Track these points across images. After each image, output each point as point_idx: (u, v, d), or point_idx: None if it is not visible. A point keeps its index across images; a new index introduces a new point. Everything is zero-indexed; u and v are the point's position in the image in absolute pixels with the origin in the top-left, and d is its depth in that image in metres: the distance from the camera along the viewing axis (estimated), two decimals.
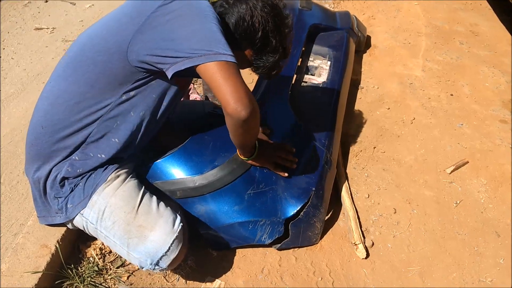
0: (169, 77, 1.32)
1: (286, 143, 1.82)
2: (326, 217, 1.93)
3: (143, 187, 1.59)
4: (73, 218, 1.53)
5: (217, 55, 1.26)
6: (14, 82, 2.73)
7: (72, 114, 1.45)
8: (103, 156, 1.51)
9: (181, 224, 1.50)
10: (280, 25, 1.50)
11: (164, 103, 1.54)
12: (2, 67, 2.86)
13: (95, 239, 1.78)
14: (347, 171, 2.22)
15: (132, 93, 1.45)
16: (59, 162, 1.51)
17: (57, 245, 1.68)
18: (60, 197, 1.52)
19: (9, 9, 3.50)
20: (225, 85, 1.25)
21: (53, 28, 3.31)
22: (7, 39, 3.14)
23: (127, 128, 1.50)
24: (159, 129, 1.68)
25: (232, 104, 1.26)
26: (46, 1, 3.65)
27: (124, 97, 1.45)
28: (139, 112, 1.49)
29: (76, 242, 1.80)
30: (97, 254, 1.76)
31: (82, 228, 1.57)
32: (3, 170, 2.11)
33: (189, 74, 1.35)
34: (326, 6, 3.58)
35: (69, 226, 1.62)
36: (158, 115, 1.55)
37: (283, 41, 1.53)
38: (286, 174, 1.75)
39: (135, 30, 1.33)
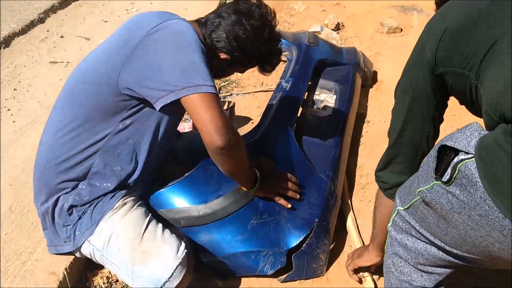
0: (157, 109, 1.39)
1: (289, 173, 1.83)
2: (331, 246, 1.93)
3: (150, 214, 1.61)
4: (81, 246, 1.55)
5: (197, 87, 1.32)
6: (28, 113, 2.81)
7: (72, 147, 1.51)
8: (108, 184, 1.55)
9: (185, 251, 1.50)
10: (271, 31, 1.61)
11: (162, 129, 1.57)
12: (18, 100, 2.95)
13: (102, 267, 1.79)
14: (354, 203, 2.23)
15: (128, 121, 1.50)
16: (67, 192, 1.55)
17: (65, 273, 1.69)
18: (68, 225, 1.55)
19: (27, 44, 3.62)
20: (204, 115, 1.32)
21: (68, 62, 3.41)
22: (23, 72, 3.24)
23: (128, 156, 1.54)
24: (165, 156, 1.71)
25: (209, 133, 1.33)
26: (62, 37, 3.77)
27: (120, 126, 1.49)
28: (138, 139, 1.54)
29: (84, 270, 1.81)
30: (104, 283, 1.77)
31: (89, 256, 1.59)
32: (14, 198, 2.15)
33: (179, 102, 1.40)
34: (333, 42, 3.66)
35: (77, 254, 1.64)
36: (158, 140, 1.59)
37: (276, 34, 1.64)
38: (289, 205, 1.75)
39: (124, 61, 1.39)
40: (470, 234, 0.96)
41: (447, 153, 1.02)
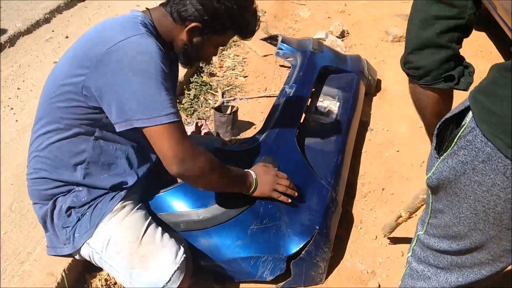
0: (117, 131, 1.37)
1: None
2: (330, 255, 1.92)
3: (150, 218, 1.60)
4: (80, 248, 1.55)
5: (154, 119, 1.30)
6: (31, 113, 2.80)
7: (59, 159, 1.50)
8: (104, 187, 1.55)
9: (184, 255, 1.50)
10: None
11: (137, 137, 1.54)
12: (21, 99, 2.95)
13: (101, 269, 1.79)
14: (355, 211, 2.22)
15: (103, 130, 1.48)
16: (64, 194, 1.54)
17: (63, 274, 1.68)
18: (67, 227, 1.54)
19: (32, 43, 3.63)
20: (161, 146, 1.34)
21: None
22: (27, 72, 3.25)
23: (114, 162, 1.54)
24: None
25: (166, 162, 1.36)
26: (67, 37, 3.78)
27: (97, 134, 1.48)
28: (119, 145, 1.53)
29: (82, 272, 1.81)
30: (102, 285, 1.76)
31: (88, 258, 1.58)
32: (14, 198, 2.14)
33: None
34: (338, 49, 3.66)
35: (77, 257, 1.63)
36: (142, 145, 1.57)
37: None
38: (289, 200, 1.75)
39: (86, 76, 1.35)
40: (479, 195, 0.94)
41: (447, 129, 1.02)
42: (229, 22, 1.48)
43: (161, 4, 1.52)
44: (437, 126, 1.05)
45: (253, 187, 1.66)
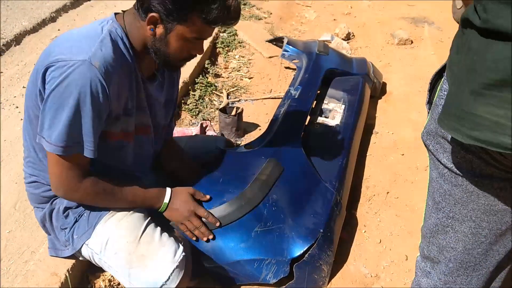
0: None
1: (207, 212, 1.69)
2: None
3: (149, 218, 1.59)
4: (80, 249, 1.55)
5: (48, 144, 1.31)
6: None
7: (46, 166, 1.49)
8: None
9: (183, 254, 1.49)
10: None
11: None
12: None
13: (104, 270, 1.78)
14: (359, 215, 2.21)
15: None
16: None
17: (67, 274, 1.68)
18: (65, 228, 1.54)
19: (37, 42, 3.64)
20: (49, 169, 1.40)
21: None
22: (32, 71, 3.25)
23: (103, 164, 1.52)
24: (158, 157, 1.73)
25: (52, 185, 1.43)
26: None
27: None
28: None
29: (86, 272, 1.81)
30: (106, 286, 1.76)
31: (88, 259, 1.58)
32: (19, 197, 2.14)
33: None
34: (344, 52, 3.66)
35: (80, 258, 1.63)
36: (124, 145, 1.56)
37: None
38: (194, 238, 1.68)
39: (36, 80, 1.36)
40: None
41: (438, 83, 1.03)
42: (184, 6, 1.32)
43: (134, 3, 1.44)
44: (430, 80, 1.06)
45: (162, 209, 1.63)
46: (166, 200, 1.62)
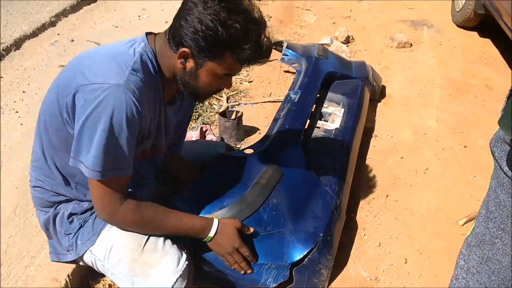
0: None
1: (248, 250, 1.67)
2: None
3: None
4: (83, 255, 1.55)
5: (87, 169, 1.31)
6: (36, 116, 2.78)
7: (54, 175, 1.50)
8: None
9: (186, 262, 1.49)
10: (233, 7, 1.31)
11: None
12: (26, 102, 2.96)
13: (104, 275, 1.78)
14: (359, 218, 2.22)
15: None
16: (65, 203, 1.55)
17: (67, 279, 1.69)
18: (70, 234, 1.54)
19: (37, 46, 3.65)
20: (91, 193, 1.40)
21: None
22: (33, 75, 3.26)
23: None
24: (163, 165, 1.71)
25: (95, 208, 1.43)
26: (72, 41, 3.80)
27: None
28: None
29: (86, 277, 1.81)
30: None
31: (91, 265, 1.58)
32: (19, 201, 2.15)
33: None
34: (343, 55, 3.67)
35: (81, 263, 1.63)
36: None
37: (248, 17, 1.32)
38: (242, 272, 1.66)
39: (66, 103, 1.34)
40: None
41: None
42: (218, 45, 1.32)
43: (165, 30, 1.44)
44: (509, 89, 1.04)
45: (207, 239, 1.59)
46: (212, 233, 1.58)
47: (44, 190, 1.54)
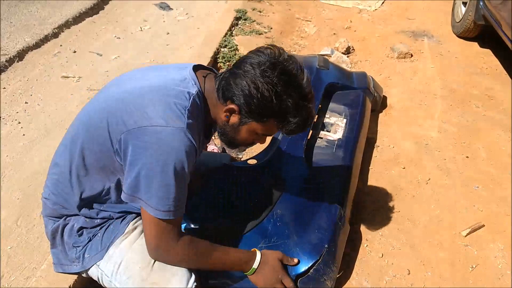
0: None
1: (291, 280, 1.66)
2: (338, 275, 1.91)
3: None
4: (89, 268, 1.54)
5: (150, 208, 1.33)
6: (38, 127, 2.82)
7: (68, 191, 1.50)
8: (112, 216, 1.55)
9: (195, 284, 1.48)
10: (290, 81, 1.37)
11: None
12: (28, 113, 2.97)
13: None
14: (361, 229, 2.21)
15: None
16: (77, 215, 1.54)
17: None
18: (78, 246, 1.53)
19: (40, 58, 3.66)
20: (145, 229, 1.40)
21: (79, 77, 3.44)
22: (35, 86, 3.27)
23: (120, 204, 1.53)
24: None
25: (147, 245, 1.42)
26: (75, 52, 3.82)
27: (120, 178, 1.47)
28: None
29: None
30: None
31: (96, 279, 1.57)
32: (21, 212, 2.15)
33: None
34: (343, 66, 3.68)
35: (84, 275, 1.62)
36: None
37: (302, 93, 1.39)
38: None
39: (121, 135, 1.36)
40: None
41: None
42: (267, 112, 1.38)
43: (216, 76, 1.51)
44: None
45: (249, 272, 1.59)
46: (255, 265, 1.59)
47: (56, 203, 1.54)
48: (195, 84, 1.45)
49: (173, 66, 1.58)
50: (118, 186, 1.47)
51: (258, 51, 1.42)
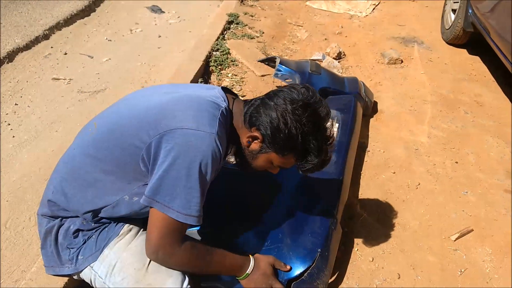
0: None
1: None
2: (331, 279, 1.92)
3: None
4: (82, 270, 1.53)
5: (169, 209, 1.34)
6: (28, 129, 2.80)
7: (83, 197, 1.49)
8: (115, 218, 1.55)
9: (189, 285, 1.48)
10: (318, 124, 1.44)
11: None
12: (18, 114, 2.94)
13: None
14: (353, 233, 2.22)
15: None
16: (75, 217, 1.54)
17: None
18: (72, 248, 1.52)
19: (30, 59, 3.64)
20: (151, 228, 1.37)
21: (70, 79, 3.42)
22: (25, 87, 3.25)
23: (132, 211, 1.52)
24: None
25: (147, 244, 1.39)
26: (65, 54, 3.79)
27: (136, 190, 1.46)
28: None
29: None
30: None
31: (88, 282, 1.56)
32: (10, 215, 2.13)
33: None
34: (335, 71, 3.70)
35: (75, 277, 1.60)
36: None
37: (325, 137, 1.47)
38: None
39: (150, 142, 1.37)
40: None
41: None
42: (289, 147, 1.45)
43: (245, 101, 1.57)
44: None
45: (243, 277, 1.60)
46: (249, 271, 1.60)
47: (57, 204, 1.53)
48: (225, 101, 1.50)
49: (199, 85, 1.60)
50: (130, 198, 1.46)
51: (292, 87, 1.48)
